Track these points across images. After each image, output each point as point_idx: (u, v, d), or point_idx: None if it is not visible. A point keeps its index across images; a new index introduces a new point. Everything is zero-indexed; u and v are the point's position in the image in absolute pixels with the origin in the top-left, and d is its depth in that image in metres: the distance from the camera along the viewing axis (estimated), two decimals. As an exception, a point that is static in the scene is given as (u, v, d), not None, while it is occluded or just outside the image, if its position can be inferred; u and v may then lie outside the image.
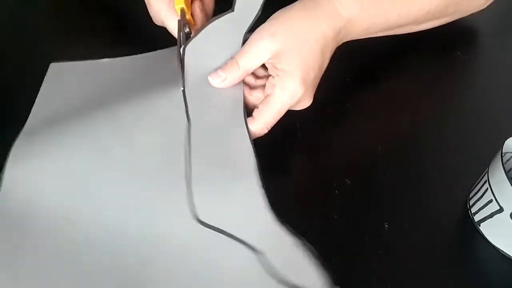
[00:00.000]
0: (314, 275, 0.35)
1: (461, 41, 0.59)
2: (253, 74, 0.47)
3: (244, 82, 0.46)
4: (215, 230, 0.38)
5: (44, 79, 0.51)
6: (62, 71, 0.52)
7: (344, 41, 0.48)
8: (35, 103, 0.48)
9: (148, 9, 0.52)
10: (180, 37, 0.47)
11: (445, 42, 0.58)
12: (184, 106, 0.43)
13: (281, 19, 0.45)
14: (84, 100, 0.48)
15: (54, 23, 0.61)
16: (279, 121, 0.43)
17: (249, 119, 0.43)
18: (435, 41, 0.57)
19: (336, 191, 0.44)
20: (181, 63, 0.45)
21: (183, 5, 0.48)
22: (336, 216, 0.42)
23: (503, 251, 0.39)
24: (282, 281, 0.35)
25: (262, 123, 0.43)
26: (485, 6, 0.57)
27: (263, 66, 0.45)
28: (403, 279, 0.38)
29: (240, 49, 0.45)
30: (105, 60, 0.53)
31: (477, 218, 0.41)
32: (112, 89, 0.49)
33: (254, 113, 0.44)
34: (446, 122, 0.51)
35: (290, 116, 0.44)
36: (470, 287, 0.38)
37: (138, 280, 0.36)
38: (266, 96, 0.44)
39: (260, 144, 0.42)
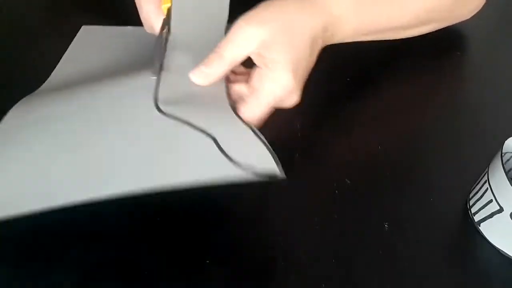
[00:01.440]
0: (265, 156, 0.37)
1: (461, 41, 0.59)
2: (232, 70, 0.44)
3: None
4: (175, 119, 0.39)
5: (73, 41, 0.55)
6: (89, 35, 0.55)
7: (330, 42, 0.47)
8: (58, 64, 0.52)
9: (139, 13, 0.49)
10: (162, 36, 0.44)
11: (444, 43, 0.58)
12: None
13: (271, 8, 0.42)
14: (97, 67, 0.50)
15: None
16: (279, 121, 0.43)
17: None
18: (434, 41, 0.57)
19: (336, 191, 0.44)
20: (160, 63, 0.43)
21: (170, 4, 0.46)
22: (336, 216, 0.42)
23: (503, 251, 0.39)
24: (235, 162, 0.37)
25: (252, 118, 0.41)
26: (472, 14, 0.57)
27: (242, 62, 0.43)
28: (403, 279, 0.38)
29: (222, 39, 0.41)
30: (130, 27, 0.55)
31: (477, 218, 0.41)
32: (125, 58, 0.51)
33: (243, 108, 0.42)
34: (446, 122, 0.51)
35: (290, 116, 0.44)
36: (470, 287, 0.38)
37: (99, 160, 0.39)
38: (255, 89, 0.42)
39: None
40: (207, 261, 0.38)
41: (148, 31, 0.49)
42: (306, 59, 0.43)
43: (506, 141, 0.40)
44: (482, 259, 0.40)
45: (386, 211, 0.42)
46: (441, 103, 0.53)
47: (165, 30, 0.45)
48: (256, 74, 0.42)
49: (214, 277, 0.38)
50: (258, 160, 0.37)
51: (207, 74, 0.41)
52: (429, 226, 0.41)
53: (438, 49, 0.58)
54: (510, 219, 0.37)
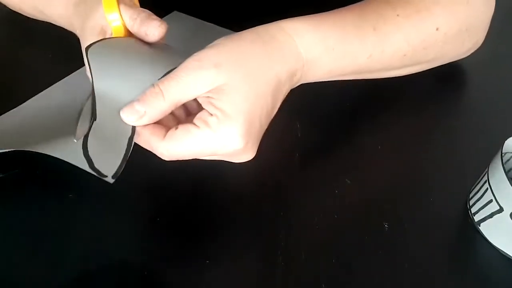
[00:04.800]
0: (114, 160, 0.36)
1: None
2: (184, 106, 0.38)
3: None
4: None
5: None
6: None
7: (300, 83, 0.42)
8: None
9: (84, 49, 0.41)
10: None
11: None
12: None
13: (228, 49, 0.36)
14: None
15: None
16: (279, 121, 0.42)
17: (156, 138, 0.35)
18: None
19: (336, 191, 0.44)
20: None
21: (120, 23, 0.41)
22: (336, 216, 0.42)
23: (503, 251, 0.39)
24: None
25: (167, 150, 0.35)
26: (468, 54, 0.52)
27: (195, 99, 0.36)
28: (403, 279, 0.38)
29: (166, 74, 0.36)
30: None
31: (477, 218, 0.41)
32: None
33: (168, 134, 0.35)
34: (446, 122, 0.51)
35: (290, 116, 0.44)
36: (470, 287, 0.38)
37: None
38: (193, 127, 0.35)
39: (260, 145, 0.42)
40: (207, 261, 0.38)
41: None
42: (264, 111, 0.37)
43: (506, 141, 0.40)
44: (482, 259, 0.40)
45: (386, 211, 0.42)
46: (441, 102, 0.53)
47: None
48: (202, 115, 0.35)
49: (214, 277, 0.38)
50: (105, 160, 0.35)
51: (140, 113, 0.35)
52: (429, 226, 0.41)
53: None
54: (510, 219, 0.37)
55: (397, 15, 0.44)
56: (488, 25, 0.51)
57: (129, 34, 0.42)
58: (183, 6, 0.65)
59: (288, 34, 0.39)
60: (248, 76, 0.36)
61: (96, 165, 0.35)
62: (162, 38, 0.41)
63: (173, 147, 0.35)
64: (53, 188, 0.43)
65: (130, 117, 0.35)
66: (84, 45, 0.41)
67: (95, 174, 0.35)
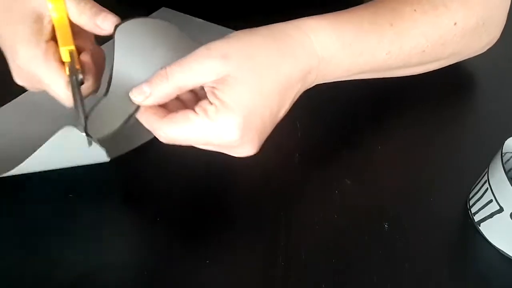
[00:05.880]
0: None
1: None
2: (195, 95, 0.38)
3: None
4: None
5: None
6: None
7: (317, 83, 0.41)
8: None
9: (10, 64, 0.38)
10: (73, 84, 0.37)
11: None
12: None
13: (239, 42, 0.36)
14: None
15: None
16: (279, 121, 0.42)
17: (157, 118, 0.36)
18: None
19: (336, 191, 0.44)
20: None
21: (73, 47, 0.38)
22: (336, 216, 0.42)
23: (503, 251, 0.39)
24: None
25: (164, 132, 0.36)
26: (485, 49, 0.52)
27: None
28: (403, 279, 0.38)
29: (178, 58, 0.36)
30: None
31: (477, 218, 0.41)
32: None
33: (169, 116, 0.36)
34: (446, 122, 0.51)
35: (290, 116, 0.44)
36: (470, 287, 0.38)
37: None
38: (192, 114, 0.35)
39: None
40: (207, 261, 0.38)
41: (29, 88, 0.41)
42: (270, 108, 0.37)
43: (506, 141, 0.40)
44: (482, 259, 0.40)
45: (386, 211, 0.42)
46: (441, 102, 0.53)
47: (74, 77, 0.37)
48: (202, 103, 0.36)
49: (214, 277, 0.38)
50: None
51: (146, 93, 0.36)
52: (429, 226, 0.41)
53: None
54: (510, 219, 0.37)
55: (414, 10, 0.44)
56: (505, 20, 0.51)
57: (71, 24, 0.39)
58: (171, 2, 0.65)
59: (303, 32, 0.38)
60: (255, 72, 0.36)
61: (94, 138, 0.36)
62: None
63: (170, 129, 0.36)
64: (53, 188, 0.43)
65: (137, 97, 0.36)
66: (9, 40, 0.37)
67: (91, 148, 0.36)
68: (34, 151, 0.38)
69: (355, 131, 0.49)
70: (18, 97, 0.50)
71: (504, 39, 0.53)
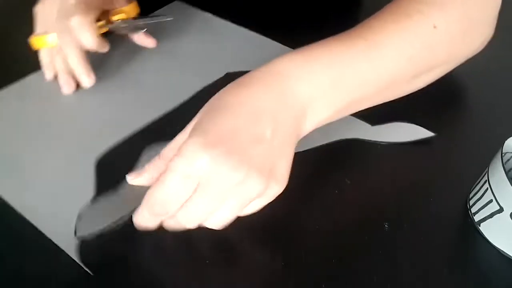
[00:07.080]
0: None
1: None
2: None
3: None
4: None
5: None
6: None
7: (320, 110, 0.40)
8: None
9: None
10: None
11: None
12: None
13: (219, 131, 0.35)
14: None
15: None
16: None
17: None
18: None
19: (336, 191, 0.44)
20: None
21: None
22: (336, 216, 0.42)
23: (503, 251, 0.39)
24: None
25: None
26: (482, 47, 0.51)
27: None
28: (403, 279, 0.38)
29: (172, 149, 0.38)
30: None
31: (477, 218, 0.41)
32: None
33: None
34: (446, 122, 0.51)
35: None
36: (470, 287, 0.38)
37: None
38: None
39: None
40: (207, 261, 0.38)
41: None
42: (233, 123, 0.36)
43: (506, 141, 0.40)
44: (482, 259, 0.40)
45: (386, 211, 0.42)
46: (441, 103, 0.53)
47: None
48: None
49: (214, 277, 0.38)
50: None
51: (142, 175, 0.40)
52: (429, 226, 0.41)
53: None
54: (510, 219, 0.37)
55: (385, 22, 0.43)
56: (496, 17, 0.50)
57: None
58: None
59: (278, 73, 0.38)
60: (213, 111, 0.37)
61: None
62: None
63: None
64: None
65: (135, 179, 0.40)
66: None
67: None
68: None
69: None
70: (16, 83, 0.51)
71: (504, 38, 0.53)
